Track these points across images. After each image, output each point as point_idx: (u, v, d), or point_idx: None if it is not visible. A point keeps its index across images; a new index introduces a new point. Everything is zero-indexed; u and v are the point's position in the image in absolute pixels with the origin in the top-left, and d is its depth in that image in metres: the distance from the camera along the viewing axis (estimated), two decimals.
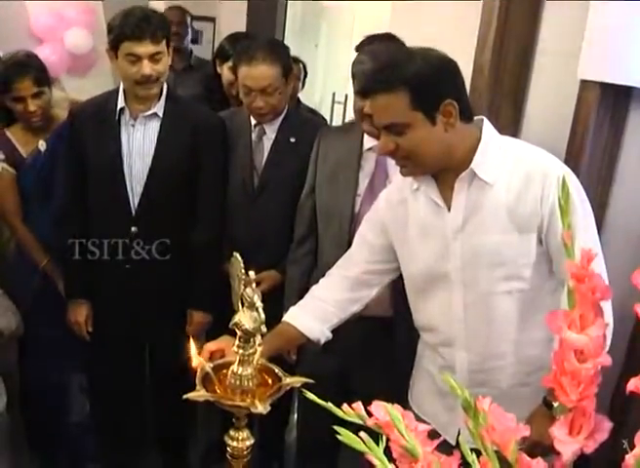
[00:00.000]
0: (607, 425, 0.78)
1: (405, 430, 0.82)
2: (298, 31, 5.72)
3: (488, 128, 1.77)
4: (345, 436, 0.82)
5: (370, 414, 0.90)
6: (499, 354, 1.84)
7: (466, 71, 3.01)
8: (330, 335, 2.00)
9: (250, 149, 2.72)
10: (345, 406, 0.92)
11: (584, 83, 2.71)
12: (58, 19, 4.06)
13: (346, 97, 5.82)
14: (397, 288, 2.10)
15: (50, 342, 2.83)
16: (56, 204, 2.74)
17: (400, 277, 2.01)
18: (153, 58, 2.44)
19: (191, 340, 1.48)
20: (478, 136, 1.75)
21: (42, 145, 2.79)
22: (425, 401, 2.04)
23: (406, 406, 1.81)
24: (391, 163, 2.21)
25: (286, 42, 5.25)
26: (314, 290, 2.05)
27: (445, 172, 1.76)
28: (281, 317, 2.00)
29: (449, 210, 1.78)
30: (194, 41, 4.87)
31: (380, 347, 2.36)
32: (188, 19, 4.49)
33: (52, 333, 2.82)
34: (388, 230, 1.94)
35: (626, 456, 0.83)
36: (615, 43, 2.50)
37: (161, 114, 2.58)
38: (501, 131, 2.63)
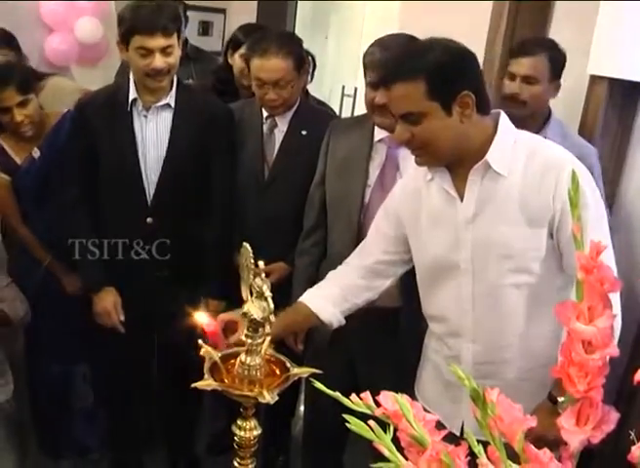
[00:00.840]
0: (614, 416, 0.78)
1: (413, 419, 0.82)
2: (308, 23, 5.71)
3: (504, 121, 1.78)
4: (355, 424, 0.83)
5: (378, 405, 0.90)
6: (504, 347, 1.85)
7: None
8: (343, 321, 2.03)
9: (261, 141, 2.72)
10: (354, 396, 0.92)
11: (594, 78, 2.71)
12: (68, 8, 4.06)
13: (356, 89, 5.80)
14: (405, 279, 2.11)
15: (54, 333, 2.84)
16: (63, 199, 2.66)
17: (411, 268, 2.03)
18: (165, 51, 2.43)
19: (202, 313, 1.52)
20: (494, 129, 1.75)
21: (36, 152, 2.75)
22: (430, 391, 2.05)
23: (412, 397, 1.83)
24: (402, 155, 2.26)
25: (296, 34, 5.27)
26: (331, 275, 2.09)
27: (459, 162, 1.77)
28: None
29: (461, 200, 1.79)
30: (205, 32, 4.88)
31: (387, 339, 2.37)
32: (181, 9, 4.47)
33: (56, 325, 2.83)
34: (402, 220, 1.95)
35: (633, 448, 0.83)
36: (624, 39, 2.50)
37: (173, 104, 2.58)
38: None
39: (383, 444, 0.82)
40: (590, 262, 0.79)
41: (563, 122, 2.67)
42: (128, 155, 2.55)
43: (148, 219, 2.59)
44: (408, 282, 2.10)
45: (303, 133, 2.70)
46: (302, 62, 2.67)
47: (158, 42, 2.40)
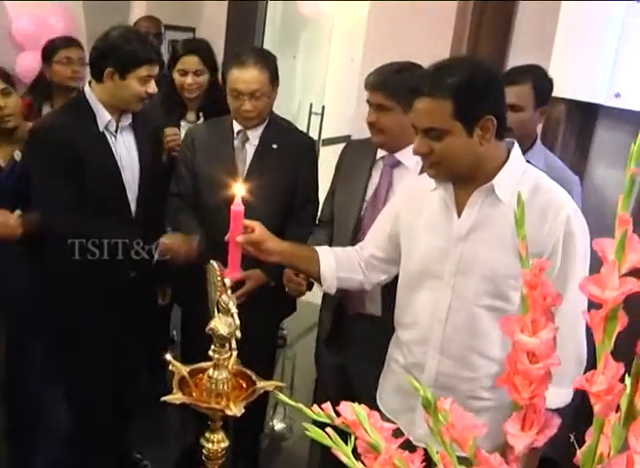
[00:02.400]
0: (556, 421, 0.84)
1: (369, 427, 0.87)
2: (276, 42, 5.78)
3: (516, 151, 1.85)
4: (313, 432, 0.87)
5: (338, 414, 0.95)
6: (471, 365, 1.89)
7: None
8: (333, 288, 2.17)
9: (233, 155, 2.79)
10: (315, 406, 0.97)
11: (552, 99, 2.79)
12: (40, 26, 4.08)
13: (323, 108, 5.89)
14: (388, 288, 2.27)
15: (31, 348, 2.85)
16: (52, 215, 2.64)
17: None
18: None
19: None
20: (505, 157, 1.82)
21: (17, 155, 2.79)
22: (390, 399, 2.10)
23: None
24: (397, 174, 2.44)
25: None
26: (348, 248, 2.25)
27: (466, 181, 1.84)
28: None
29: (459, 216, 1.86)
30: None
31: (376, 343, 2.44)
32: (163, 30, 4.54)
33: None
34: (399, 220, 2.04)
35: (577, 452, 0.89)
36: (581, 61, 2.60)
37: (132, 124, 2.73)
38: None
39: (341, 450, 0.86)
40: (534, 279, 0.84)
41: (547, 149, 2.75)
42: (113, 174, 2.65)
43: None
44: (390, 291, 2.24)
45: (274, 146, 2.79)
46: (276, 78, 2.77)
47: (156, 70, 2.62)
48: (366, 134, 2.91)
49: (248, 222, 2.05)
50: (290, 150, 2.77)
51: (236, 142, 2.81)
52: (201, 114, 3.38)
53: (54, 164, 2.57)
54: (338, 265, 2.15)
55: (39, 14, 4.13)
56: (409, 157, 2.41)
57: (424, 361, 1.94)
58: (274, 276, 2.67)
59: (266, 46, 5.40)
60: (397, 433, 0.94)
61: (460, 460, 0.90)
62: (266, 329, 2.97)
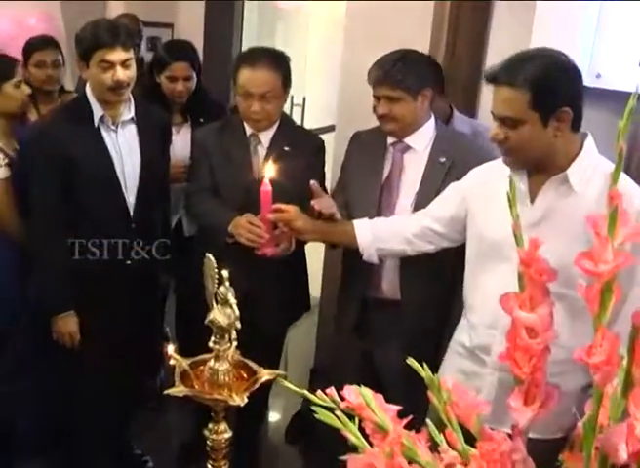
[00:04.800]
0: (557, 394, 0.86)
1: (377, 408, 0.89)
2: (254, 35, 5.78)
3: (590, 142, 1.88)
4: (321, 414, 0.89)
5: (342, 399, 0.97)
6: None
7: None
8: (374, 258, 2.32)
9: (249, 159, 2.74)
10: (319, 392, 0.99)
11: None
12: (19, 28, 4.09)
13: (304, 99, 5.89)
14: (405, 273, 2.45)
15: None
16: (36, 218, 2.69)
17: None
18: (124, 64, 2.54)
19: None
20: (579, 148, 1.85)
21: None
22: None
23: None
24: (406, 159, 2.51)
25: (243, 46, 5.33)
26: (390, 218, 2.39)
27: (540, 170, 1.88)
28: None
29: (531, 203, 1.89)
30: (153, 48, 4.90)
31: (397, 330, 2.54)
32: (141, 27, 4.52)
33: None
34: (468, 203, 2.09)
35: (578, 424, 0.91)
36: (561, 43, 2.60)
37: (135, 118, 2.70)
38: None
39: (350, 431, 0.88)
40: (529, 257, 0.87)
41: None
42: (107, 170, 2.64)
43: (132, 225, 2.71)
44: (408, 278, 2.46)
45: (286, 149, 2.72)
46: (289, 79, 2.71)
47: (119, 55, 2.52)
48: (350, 123, 2.94)
49: (285, 206, 2.32)
50: (301, 152, 2.72)
51: (251, 147, 2.77)
52: (188, 116, 3.36)
53: (42, 162, 2.61)
54: (375, 237, 2.27)
55: (18, 15, 4.12)
56: (418, 141, 2.50)
57: (491, 343, 1.98)
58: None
59: (245, 39, 5.40)
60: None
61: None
62: (276, 332, 3.00)
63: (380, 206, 2.51)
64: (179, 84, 3.26)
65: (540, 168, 1.88)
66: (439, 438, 0.94)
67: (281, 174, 2.62)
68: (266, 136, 2.75)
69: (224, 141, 2.75)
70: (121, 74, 2.53)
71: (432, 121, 2.53)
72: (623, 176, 1.87)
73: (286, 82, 2.69)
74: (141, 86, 3.52)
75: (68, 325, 2.69)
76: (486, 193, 2.03)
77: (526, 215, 1.87)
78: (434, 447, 0.95)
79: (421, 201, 2.42)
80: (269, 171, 2.26)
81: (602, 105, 2.55)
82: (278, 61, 2.66)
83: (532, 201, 1.90)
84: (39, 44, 3.50)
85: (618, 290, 0.82)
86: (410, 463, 0.87)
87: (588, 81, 2.61)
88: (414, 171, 2.50)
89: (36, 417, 3.07)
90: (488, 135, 2.06)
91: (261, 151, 2.76)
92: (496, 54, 3.10)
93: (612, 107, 2.74)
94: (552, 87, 1.77)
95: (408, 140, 2.50)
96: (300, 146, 2.74)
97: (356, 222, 2.32)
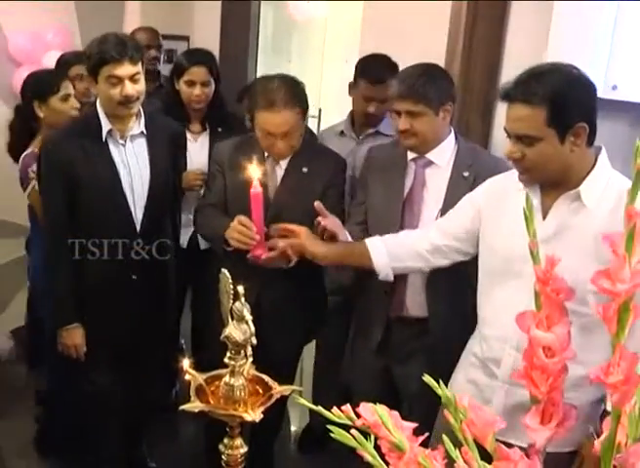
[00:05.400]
0: (574, 413, 0.85)
1: (393, 426, 0.89)
2: (270, 48, 5.81)
3: (604, 157, 1.87)
4: (337, 433, 0.89)
5: (358, 416, 0.97)
6: None
7: None
8: (391, 277, 2.28)
9: (264, 180, 2.59)
10: (335, 408, 0.99)
11: None
12: (36, 42, 4.12)
13: (320, 110, 5.90)
14: (431, 289, 2.44)
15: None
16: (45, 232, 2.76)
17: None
18: (133, 78, 2.54)
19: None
20: (592, 163, 1.84)
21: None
22: (463, 392, 2.12)
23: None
24: (428, 173, 2.48)
25: (259, 59, 5.35)
26: (402, 234, 2.33)
27: (553, 185, 1.86)
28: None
29: (543, 218, 1.88)
30: (170, 60, 4.92)
31: (419, 344, 2.52)
32: (161, 40, 4.54)
33: None
34: (482, 216, 2.07)
35: (595, 442, 0.91)
36: (577, 54, 2.61)
37: (145, 132, 2.69)
38: (471, 139, 2.75)
39: (366, 450, 0.88)
40: (546, 275, 0.86)
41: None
42: (113, 184, 2.64)
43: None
44: (435, 294, 2.45)
45: (304, 170, 2.68)
46: (307, 108, 2.65)
47: (127, 70, 2.52)
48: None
49: (295, 228, 2.33)
50: (320, 173, 2.67)
51: (266, 166, 2.67)
52: (207, 125, 3.39)
53: (51, 175, 2.65)
54: (390, 256, 2.24)
55: (35, 30, 4.16)
56: (440, 156, 2.47)
57: (501, 356, 1.97)
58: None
59: (260, 52, 5.42)
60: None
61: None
62: (290, 353, 2.94)
63: (402, 223, 2.47)
64: (196, 89, 3.29)
65: (554, 184, 1.87)
66: (455, 454, 0.94)
67: (297, 195, 2.63)
68: (285, 159, 2.70)
69: (241, 159, 2.62)
70: (130, 89, 2.53)
71: (452, 135, 2.51)
72: None
73: (304, 112, 2.62)
74: (160, 97, 3.58)
75: (73, 337, 2.71)
76: (498, 205, 2.02)
77: (538, 231, 1.87)
78: (450, 464, 0.94)
79: None
80: (256, 172, 2.22)
81: (618, 117, 2.54)
82: (295, 95, 2.57)
83: (544, 217, 1.89)
84: (74, 58, 3.54)
85: (636, 309, 0.81)
86: None
87: (604, 93, 2.60)
88: (436, 186, 2.47)
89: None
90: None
91: (279, 172, 2.71)
92: (514, 53, 3.10)
93: (628, 119, 2.74)
94: (568, 102, 1.75)
95: (430, 156, 2.47)
96: (318, 167, 2.69)
97: (369, 242, 2.28)
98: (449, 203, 2.39)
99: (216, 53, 4.65)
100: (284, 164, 2.70)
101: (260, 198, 2.24)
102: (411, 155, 2.50)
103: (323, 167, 2.69)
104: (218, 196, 2.76)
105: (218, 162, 2.80)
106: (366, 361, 2.67)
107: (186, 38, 5.33)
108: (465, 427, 0.91)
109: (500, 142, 3.02)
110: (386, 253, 2.25)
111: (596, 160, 1.85)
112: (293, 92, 2.57)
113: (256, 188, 2.24)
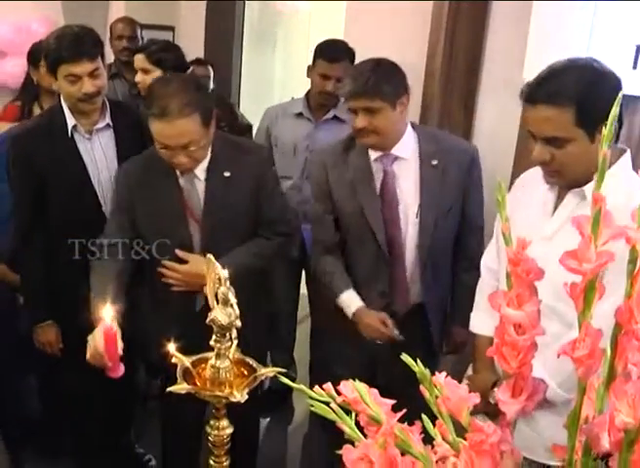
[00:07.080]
0: (543, 387, 0.90)
1: (371, 401, 0.93)
2: (255, 38, 5.82)
3: (626, 158, 1.79)
4: (318, 407, 0.93)
5: (339, 394, 1.01)
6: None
7: (421, 76, 3.15)
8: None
9: (180, 198, 2.41)
10: (317, 387, 1.02)
11: None
12: (21, 33, 4.13)
13: None
14: (427, 276, 2.50)
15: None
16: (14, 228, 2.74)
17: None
18: (92, 74, 2.53)
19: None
20: (613, 162, 1.74)
21: None
22: None
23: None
24: (397, 167, 2.45)
25: (244, 49, 5.38)
26: (481, 287, 2.20)
27: (580, 185, 1.79)
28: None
29: (552, 214, 1.85)
30: None
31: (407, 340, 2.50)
32: (139, 31, 4.52)
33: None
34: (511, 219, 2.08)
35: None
36: (554, 53, 2.65)
37: (111, 124, 2.69)
38: (453, 133, 2.79)
39: (345, 423, 0.92)
40: (517, 256, 0.90)
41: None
42: (80, 178, 2.63)
43: None
44: (430, 280, 2.50)
45: (226, 174, 2.41)
46: (211, 111, 2.30)
47: (84, 67, 2.50)
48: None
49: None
50: (245, 175, 2.41)
51: (182, 182, 2.41)
52: None
53: (17, 172, 2.65)
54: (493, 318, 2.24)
55: (19, 20, 4.16)
56: (404, 149, 2.45)
57: None
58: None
59: (245, 42, 5.44)
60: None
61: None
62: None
63: (386, 226, 2.45)
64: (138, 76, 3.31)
65: (581, 183, 1.78)
66: (433, 431, 0.98)
67: (225, 206, 2.40)
68: (201, 168, 2.41)
69: (151, 180, 2.42)
70: (89, 85, 2.52)
71: (409, 125, 2.49)
72: None
73: (207, 118, 2.27)
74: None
75: (47, 334, 2.74)
76: (517, 197, 1.95)
77: (545, 226, 1.84)
78: (429, 440, 0.99)
79: (427, 211, 2.42)
80: (109, 312, 1.71)
81: None
82: (192, 100, 2.21)
83: (553, 211, 1.86)
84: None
85: (601, 288, 0.86)
86: (403, 454, 0.91)
87: None
88: (408, 180, 2.46)
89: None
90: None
91: (199, 183, 2.43)
92: (495, 50, 3.15)
93: None
94: (595, 99, 1.64)
95: (395, 151, 2.45)
96: (242, 169, 2.43)
97: (482, 330, 2.15)
98: (426, 196, 2.40)
99: (200, 42, 4.68)
100: (201, 173, 2.41)
101: (115, 337, 1.80)
102: (374, 155, 2.46)
103: (247, 166, 2.44)
104: (118, 236, 2.44)
105: (127, 188, 2.46)
106: (347, 350, 2.67)
107: (172, 28, 5.34)
108: (441, 402, 0.95)
109: (483, 135, 3.07)
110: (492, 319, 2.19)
111: (617, 160, 1.77)
112: (188, 94, 2.22)
113: (110, 330, 1.77)
